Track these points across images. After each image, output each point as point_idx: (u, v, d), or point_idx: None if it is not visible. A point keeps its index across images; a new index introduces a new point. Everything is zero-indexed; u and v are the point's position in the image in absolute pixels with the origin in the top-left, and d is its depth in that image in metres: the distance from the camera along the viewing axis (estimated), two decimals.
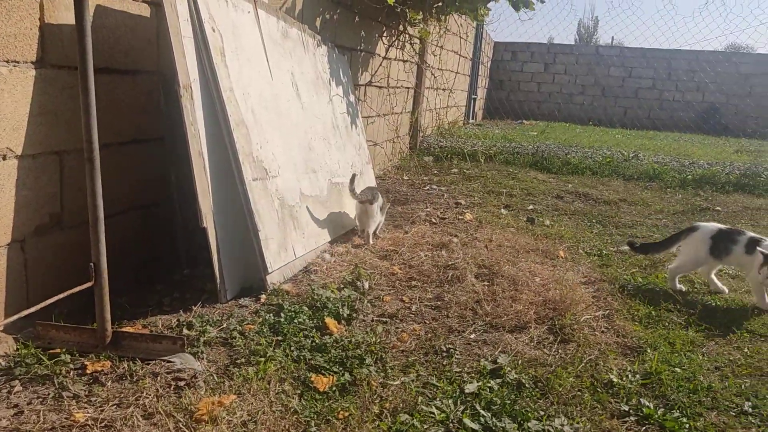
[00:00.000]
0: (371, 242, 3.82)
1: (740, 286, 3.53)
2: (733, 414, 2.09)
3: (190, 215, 2.87)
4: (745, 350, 2.65)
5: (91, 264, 2.15)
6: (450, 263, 3.47)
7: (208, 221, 2.58)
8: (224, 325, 2.45)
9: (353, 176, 3.87)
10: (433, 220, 4.69)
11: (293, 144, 3.42)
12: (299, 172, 3.41)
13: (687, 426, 1.99)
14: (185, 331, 2.38)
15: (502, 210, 5.36)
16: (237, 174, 2.72)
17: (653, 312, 2.97)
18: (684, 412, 2.08)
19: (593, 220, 5.28)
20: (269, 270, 2.77)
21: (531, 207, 5.65)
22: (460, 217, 4.83)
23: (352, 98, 4.98)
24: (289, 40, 3.71)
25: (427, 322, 2.74)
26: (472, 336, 2.61)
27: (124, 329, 2.34)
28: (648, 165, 8.45)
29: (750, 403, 2.15)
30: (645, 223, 5.25)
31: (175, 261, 3.06)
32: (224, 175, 2.75)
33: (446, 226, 4.53)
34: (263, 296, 2.78)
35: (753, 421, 2.05)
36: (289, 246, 3.04)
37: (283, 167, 3.18)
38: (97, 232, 2.13)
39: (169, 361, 2.16)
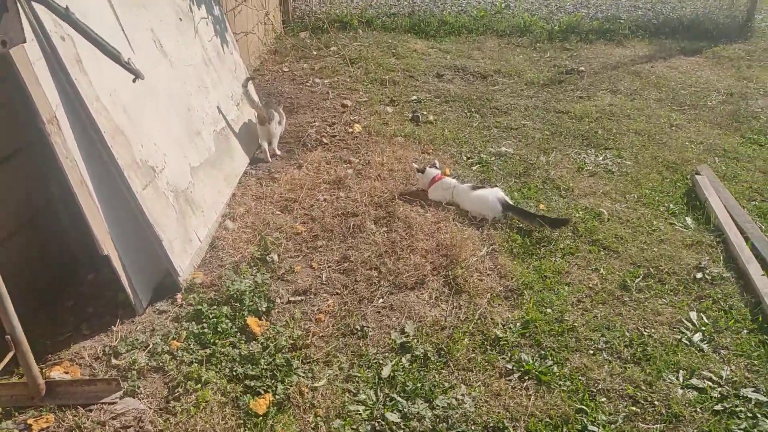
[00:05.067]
0: (269, 159, 4.30)
1: (598, 203, 4.05)
2: (591, 353, 2.65)
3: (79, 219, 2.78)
4: (602, 271, 3.21)
5: (7, 336, 2.15)
6: (349, 209, 3.67)
7: (108, 246, 2.55)
8: (150, 345, 2.58)
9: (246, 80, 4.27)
10: (324, 139, 4.73)
11: (171, 117, 3.25)
12: (184, 145, 3.30)
13: (557, 374, 2.52)
14: (114, 361, 2.50)
15: (388, 109, 5.45)
16: (126, 189, 2.63)
17: (527, 241, 3.42)
18: (554, 358, 2.61)
19: (472, 109, 5.54)
20: (179, 272, 2.85)
21: (414, 97, 5.77)
22: (350, 131, 4.90)
23: (216, 10, 4.58)
24: None
25: (338, 291, 3.02)
26: (380, 302, 2.94)
27: (54, 371, 2.42)
28: (519, 17, 8.59)
29: (604, 338, 2.71)
30: (518, 107, 5.59)
31: (78, 267, 3.01)
32: (113, 188, 2.64)
33: (338, 148, 4.61)
34: (179, 296, 2.89)
35: (607, 357, 2.62)
36: (192, 234, 3.07)
37: (168, 152, 3.07)
38: (4, 305, 2.10)
39: (111, 403, 2.31)
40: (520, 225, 3.57)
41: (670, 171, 4.35)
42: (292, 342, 2.61)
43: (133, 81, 2.25)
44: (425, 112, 5.40)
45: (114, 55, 2.14)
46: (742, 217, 3.57)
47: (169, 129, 3.18)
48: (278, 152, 4.44)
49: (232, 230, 3.42)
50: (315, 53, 7.05)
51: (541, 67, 6.87)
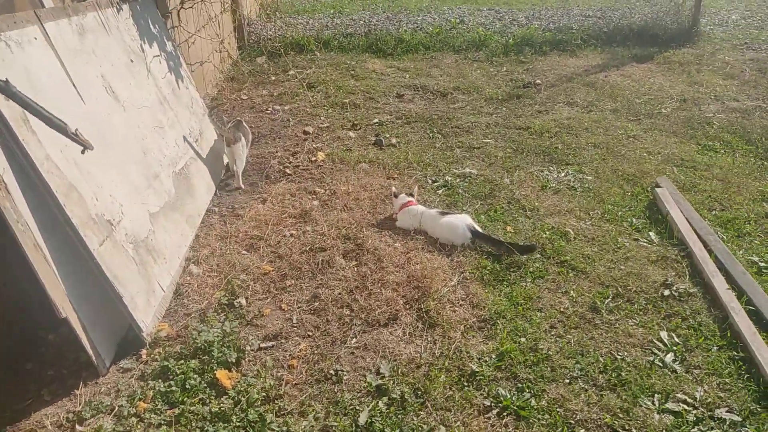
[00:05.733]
0: (241, 185, 4.41)
1: (564, 222, 4.09)
2: (567, 381, 2.65)
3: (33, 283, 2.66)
4: (572, 293, 3.22)
5: None
6: (317, 244, 3.61)
7: (66, 308, 2.44)
8: (116, 408, 2.47)
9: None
10: (288, 170, 4.67)
11: (128, 164, 3.15)
12: (142, 191, 3.20)
13: (535, 407, 2.50)
14: (78, 429, 2.39)
15: (350, 133, 5.42)
16: (82, 248, 2.53)
17: (497, 267, 3.42)
18: (531, 390, 2.59)
19: (434, 129, 5.55)
20: (142, 328, 2.74)
21: (376, 120, 5.76)
22: (313, 159, 4.85)
23: (169, 46, 4.49)
24: (88, 34, 3.19)
25: (310, 333, 2.96)
26: (354, 342, 2.89)
27: None
28: (474, 31, 8.70)
29: (578, 366, 2.72)
30: (479, 125, 5.62)
31: (38, 329, 2.88)
32: (71, 246, 2.53)
33: (302, 178, 4.55)
34: (144, 351, 2.78)
35: (583, 386, 2.62)
36: (155, 285, 2.97)
37: (126, 202, 2.97)
38: None
39: None
40: (489, 250, 3.57)
41: (631, 184, 4.43)
42: (264, 394, 2.53)
43: (82, 152, 2.16)
44: (388, 135, 5.39)
45: (60, 127, 2.06)
46: (704, 229, 3.65)
47: (126, 177, 3.08)
48: (241, 181, 4.45)
49: (197, 275, 3.33)
50: (273, 78, 7.00)
51: (498, 82, 6.95)
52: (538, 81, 6.89)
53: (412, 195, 3.90)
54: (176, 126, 4.01)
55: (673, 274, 3.34)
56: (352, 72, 7.21)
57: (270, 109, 6.04)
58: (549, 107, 6.12)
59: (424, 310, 3.06)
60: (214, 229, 3.82)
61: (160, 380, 2.60)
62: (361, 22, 9.15)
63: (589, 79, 6.92)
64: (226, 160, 4.62)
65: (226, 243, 3.65)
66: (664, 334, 2.90)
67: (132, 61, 3.67)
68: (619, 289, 3.23)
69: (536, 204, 4.14)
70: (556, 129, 5.49)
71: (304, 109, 6.04)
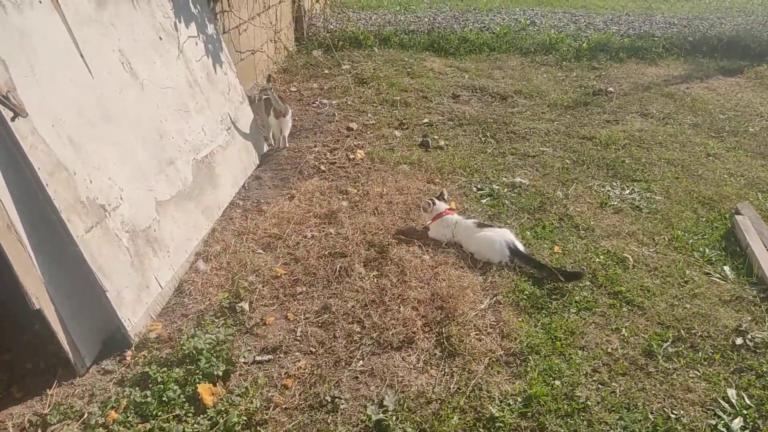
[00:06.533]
0: (287, 144, 4.75)
1: (623, 246, 3.59)
2: None
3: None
4: (623, 332, 2.74)
5: None
6: (338, 249, 3.28)
7: (41, 300, 2.22)
8: (85, 415, 2.22)
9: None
10: (323, 166, 4.37)
11: (137, 146, 2.93)
12: (150, 176, 2.96)
13: None
14: None
15: (396, 132, 5.07)
16: (65, 234, 2.30)
17: (537, 292, 2.97)
18: None
19: (487, 133, 5.12)
20: (127, 327, 2.49)
21: (426, 120, 5.39)
22: (352, 157, 4.53)
23: (210, 29, 4.28)
24: (109, 5, 2.99)
25: (314, 349, 2.62)
26: (360, 364, 2.53)
27: None
28: (545, 33, 8.16)
29: (622, 422, 2.25)
30: (538, 132, 5.14)
31: (22, 316, 2.69)
32: (51, 227, 2.31)
33: (337, 176, 4.24)
34: (129, 353, 2.53)
35: None
36: (151, 280, 2.72)
37: (127, 186, 2.73)
38: None
39: None
40: (531, 271, 3.13)
41: (707, 208, 3.85)
42: (247, 418, 2.21)
43: (12, 120, 1.92)
44: (436, 137, 5.01)
45: None
46: None
47: (132, 159, 2.85)
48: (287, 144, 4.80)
49: (204, 272, 3.06)
50: (326, 72, 6.74)
51: (565, 88, 6.42)
52: (610, 89, 6.30)
53: (443, 198, 3.51)
54: (206, 111, 3.78)
55: (749, 318, 2.80)
56: (409, 69, 6.86)
57: (317, 102, 5.78)
58: (620, 117, 5.54)
59: (444, 335, 2.66)
60: (233, 223, 3.57)
61: (138, 388, 2.34)
62: (426, 19, 8.78)
63: (668, 90, 6.27)
64: (268, 131, 4.86)
65: (243, 240, 3.38)
66: (732, 393, 2.38)
67: (161, 39, 3.46)
68: (682, 331, 2.72)
69: (592, 223, 3.64)
70: (624, 141, 4.94)
71: (353, 104, 5.74)
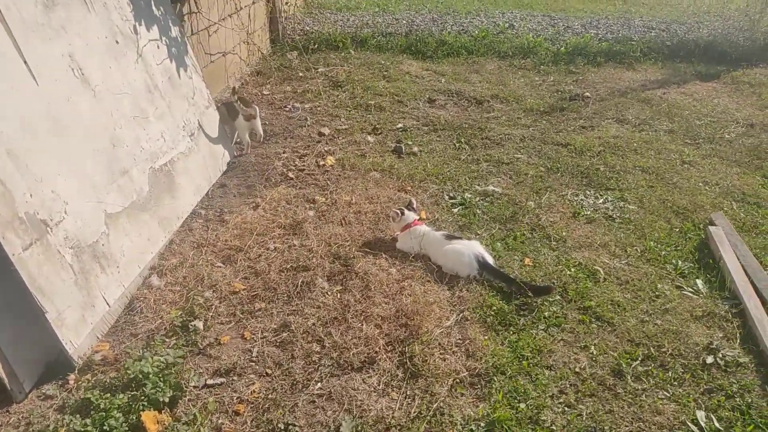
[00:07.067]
0: (248, 152, 4.61)
1: (594, 258, 3.51)
2: None
3: None
4: (592, 349, 2.65)
5: None
6: (301, 262, 3.15)
7: None
8: None
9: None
10: (291, 173, 4.24)
11: (86, 156, 2.78)
12: (101, 187, 2.82)
13: None
14: None
15: (369, 138, 4.96)
16: (0, 252, 2.15)
17: (505, 308, 2.87)
18: None
19: (462, 139, 5.02)
20: (69, 349, 2.35)
21: (400, 125, 5.28)
22: (322, 164, 4.40)
23: (174, 31, 4.13)
24: (58, 7, 2.84)
25: (270, 371, 2.50)
26: (318, 387, 2.41)
27: None
28: (523, 37, 8.09)
29: None
30: (513, 138, 5.06)
31: None
32: None
33: (305, 183, 4.11)
34: (72, 376, 2.39)
35: None
36: (97, 299, 2.58)
37: (73, 199, 2.58)
38: None
39: None
40: (500, 285, 3.03)
41: (681, 218, 3.78)
42: None
43: None
44: (410, 143, 4.90)
45: None
46: (764, 281, 3.00)
47: (80, 170, 2.70)
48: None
49: (157, 288, 2.92)
50: (300, 75, 6.61)
51: (542, 93, 6.35)
52: (587, 94, 6.24)
53: (412, 207, 3.40)
54: (166, 117, 3.64)
55: (721, 335, 2.73)
56: (385, 73, 6.75)
57: (289, 106, 5.64)
58: (595, 123, 5.48)
59: (408, 354, 2.55)
60: (192, 234, 3.43)
61: (79, 415, 2.20)
62: (404, 21, 8.67)
63: (644, 95, 6.23)
64: (236, 138, 4.70)
65: (201, 252, 3.24)
66: (701, 415, 2.31)
67: (118, 42, 3.31)
68: (652, 349, 2.64)
69: (564, 234, 3.56)
70: (599, 148, 4.87)
71: (326, 108, 5.61)
